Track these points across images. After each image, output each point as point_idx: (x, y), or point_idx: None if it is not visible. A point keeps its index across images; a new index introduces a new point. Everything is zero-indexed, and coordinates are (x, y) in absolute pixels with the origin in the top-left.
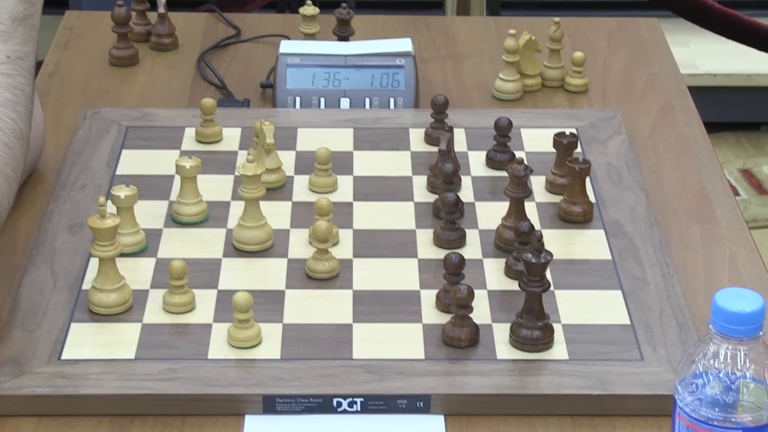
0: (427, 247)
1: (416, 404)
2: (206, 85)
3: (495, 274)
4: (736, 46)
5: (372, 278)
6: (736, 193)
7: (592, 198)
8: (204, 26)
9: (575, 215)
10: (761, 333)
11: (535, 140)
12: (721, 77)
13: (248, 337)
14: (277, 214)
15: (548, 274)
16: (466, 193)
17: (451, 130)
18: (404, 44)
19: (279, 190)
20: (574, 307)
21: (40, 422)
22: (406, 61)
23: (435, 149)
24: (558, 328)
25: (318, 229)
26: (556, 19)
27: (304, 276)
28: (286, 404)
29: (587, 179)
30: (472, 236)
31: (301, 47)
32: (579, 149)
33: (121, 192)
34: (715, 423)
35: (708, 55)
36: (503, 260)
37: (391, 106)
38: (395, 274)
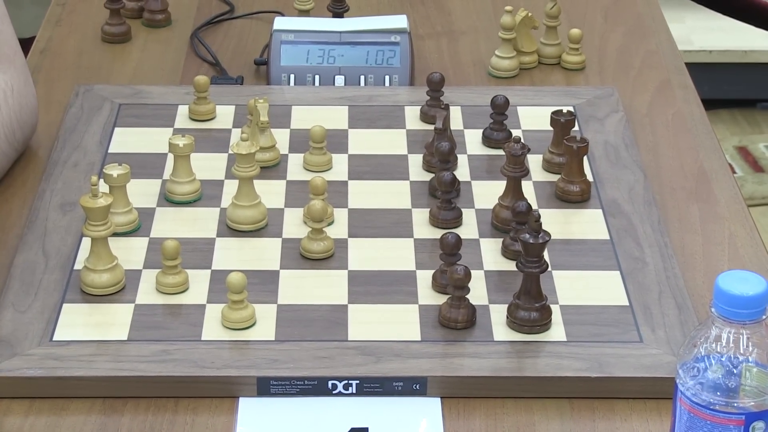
0: (423, 226)
1: (412, 386)
2: (199, 61)
3: (492, 254)
4: (732, 22)
5: (367, 258)
6: (732, 170)
7: (589, 177)
8: (197, 2)
9: (573, 194)
10: (764, 316)
11: (532, 118)
12: (717, 53)
13: (242, 318)
14: (271, 192)
15: (546, 255)
16: (462, 172)
17: (447, 107)
18: (399, 21)
19: (273, 169)
20: (572, 287)
21: (31, 404)
22: (401, 37)
23: (431, 127)
24: (556, 310)
25: (313, 209)
26: None
27: (298, 256)
28: (280, 386)
29: (585, 158)
30: (469, 216)
31: (296, 24)
32: (576, 127)
33: (114, 171)
34: (717, 407)
35: (704, 31)
36: (500, 240)
37: (387, 83)
38: (391, 254)
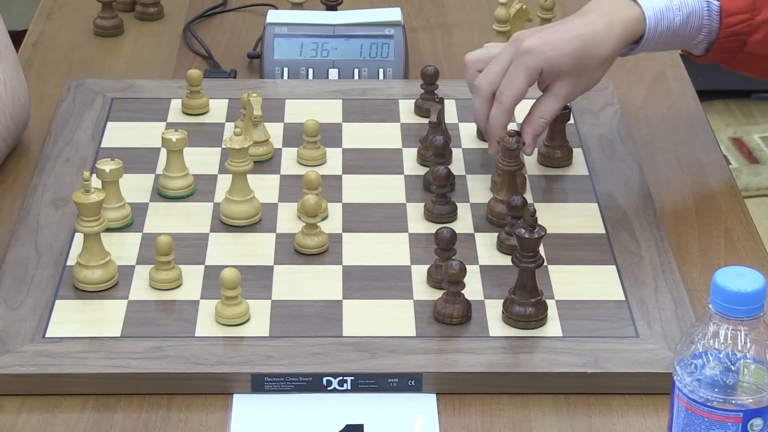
0: (417, 221)
1: (408, 383)
2: (192, 55)
3: (487, 249)
4: None
5: (362, 253)
6: (726, 161)
7: (585, 171)
8: None
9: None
10: (762, 313)
11: (527, 111)
12: None
13: (236, 315)
14: (265, 187)
15: (541, 249)
16: (456, 166)
17: (441, 101)
18: (393, 14)
19: (267, 163)
20: (568, 282)
21: (24, 402)
22: (395, 30)
23: (425, 121)
24: (551, 305)
25: (307, 204)
26: None
27: (292, 251)
28: (275, 383)
29: (580, 149)
30: (464, 210)
31: (289, 17)
32: (571, 120)
33: (106, 166)
34: (715, 404)
35: None
36: (495, 234)
37: (380, 76)
38: (385, 249)
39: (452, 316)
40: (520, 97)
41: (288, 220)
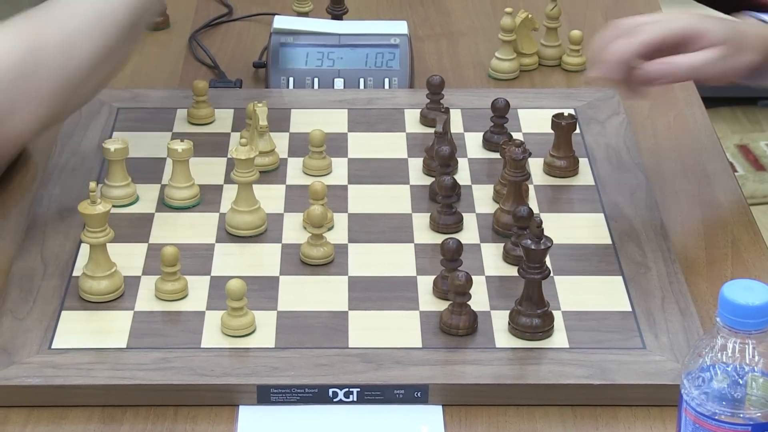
0: (423, 231)
1: (414, 394)
2: (198, 65)
3: (493, 260)
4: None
5: (367, 264)
6: (733, 169)
7: (591, 181)
8: (195, 4)
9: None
10: None
11: (533, 121)
12: None
13: (242, 326)
14: (270, 197)
15: (547, 260)
16: (462, 176)
17: (447, 111)
18: (400, 27)
19: (272, 173)
20: (574, 293)
21: (30, 413)
22: (400, 40)
23: (431, 130)
24: (558, 316)
25: (313, 214)
26: None
27: (298, 261)
28: (280, 395)
29: (586, 160)
30: (470, 220)
31: (295, 23)
32: (577, 130)
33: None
34: (723, 418)
35: None
36: (501, 245)
37: (386, 86)
38: (391, 260)
39: (458, 327)
40: (658, 38)
41: (294, 230)
